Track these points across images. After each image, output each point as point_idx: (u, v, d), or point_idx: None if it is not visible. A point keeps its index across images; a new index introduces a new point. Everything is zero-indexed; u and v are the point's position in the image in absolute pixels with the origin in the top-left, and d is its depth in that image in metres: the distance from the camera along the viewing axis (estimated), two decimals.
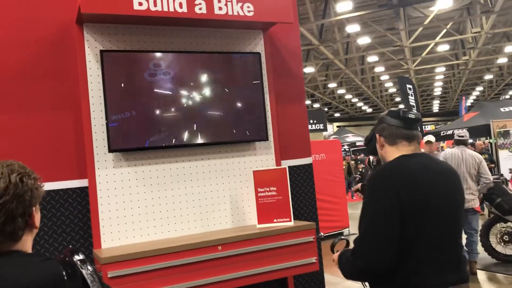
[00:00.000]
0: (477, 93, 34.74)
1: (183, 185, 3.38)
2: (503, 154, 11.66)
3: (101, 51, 3.14)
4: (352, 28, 15.72)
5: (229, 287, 2.98)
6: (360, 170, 17.64)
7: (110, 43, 3.24)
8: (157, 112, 3.26)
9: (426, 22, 15.43)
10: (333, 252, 1.99)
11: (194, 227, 3.39)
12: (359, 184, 2.62)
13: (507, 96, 25.44)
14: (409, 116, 1.86)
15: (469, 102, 31.48)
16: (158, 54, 3.29)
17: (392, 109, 1.95)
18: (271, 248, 3.14)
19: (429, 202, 1.71)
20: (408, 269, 1.68)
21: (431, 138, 6.41)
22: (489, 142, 12.02)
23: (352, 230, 8.95)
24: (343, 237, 2.08)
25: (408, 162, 1.79)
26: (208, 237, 3.09)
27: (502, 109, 13.65)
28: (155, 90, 3.26)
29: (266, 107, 3.65)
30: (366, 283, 1.86)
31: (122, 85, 3.17)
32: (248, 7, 3.28)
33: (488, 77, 28.28)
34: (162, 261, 2.83)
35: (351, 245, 2.00)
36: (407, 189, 1.69)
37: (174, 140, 3.30)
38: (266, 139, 3.60)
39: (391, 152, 1.88)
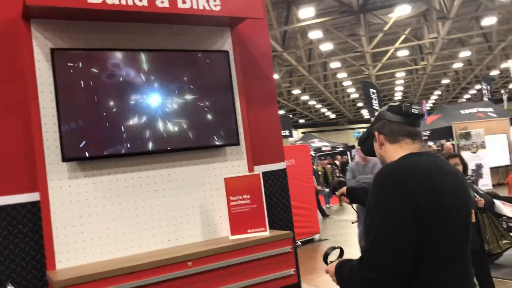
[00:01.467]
0: (435, 97, 35.96)
1: (148, 196, 3.09)
2: (465, 155, 11.90)
3: (52, 50, 2.83)
4: (315, 35, 15.82)
5: None
6: (338, 175, 17.57)
7: (62, 41, 2.93)
8: (116, 116, 2.97)
9: (386, 28, 15.75)
10: (327, 263, 1.76)
11: (161, 242, 3.10)
12: (344, 188, 2.39)
13: (464, 100, 26.40)
14: (413, 111, 1.67)
15: (427, 106, 32.49)
16: (117, 53, 3.00)
17: (393, 103, 1.75)
18: (246, 262, 2.93)
19: (442, 205, 1.53)
20: (422, 280, 1.50)
21: None
22: (452, 144, 12.27)
23: (323, 236, 8.85)
24: (336, 245, 1.86)
25: (420, 160, 1.60)
26: (177, 252, 2.84)
27: (462, 111, 14.04)
28: (113, 92, 2.97)
29: (236, 109, 3.42)
30: None
31: (77, 87, 2.87)
32: (215, 1, 3.05)
33: (445, 81, 29.30)
34: (126, 282, 2.57)
35: (345, 255, 1.79)
36: (421, 189, 1.50)
37: (136, 147, 3.01)
38: (238, 143, 3.37)
39: (394, 151, 1.69)
